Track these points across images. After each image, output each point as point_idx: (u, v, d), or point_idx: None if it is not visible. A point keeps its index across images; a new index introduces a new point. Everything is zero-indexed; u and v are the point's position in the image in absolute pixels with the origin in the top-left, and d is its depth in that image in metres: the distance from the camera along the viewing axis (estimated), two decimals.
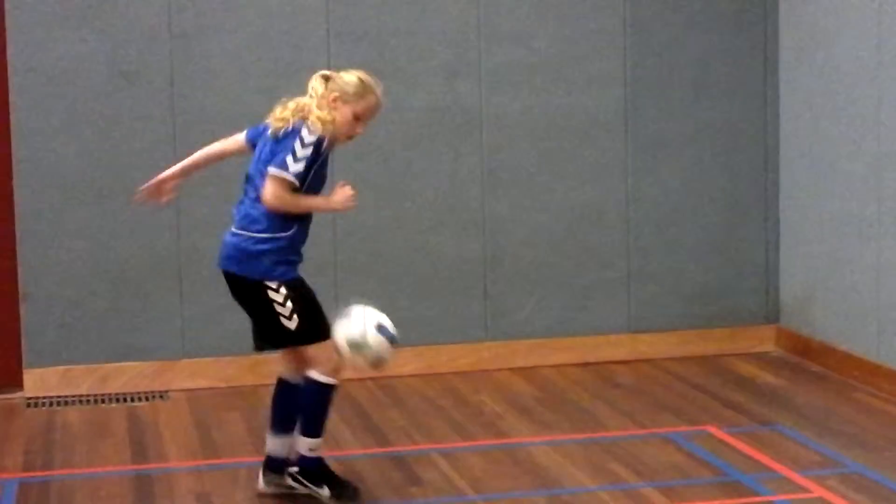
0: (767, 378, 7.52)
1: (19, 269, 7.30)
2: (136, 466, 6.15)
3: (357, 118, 5.49)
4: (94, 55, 7.31)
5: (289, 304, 5.38)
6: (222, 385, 7.46)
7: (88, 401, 7.29)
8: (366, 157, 7.57)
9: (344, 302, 7.54)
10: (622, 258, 7.90)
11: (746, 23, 7.99)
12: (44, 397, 7.29)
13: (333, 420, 6.82)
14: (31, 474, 6.08)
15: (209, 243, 7.40)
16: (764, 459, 5.98)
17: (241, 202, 5.48)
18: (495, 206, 7.76)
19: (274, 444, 5.63)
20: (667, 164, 7.94)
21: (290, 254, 5.43)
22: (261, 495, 5.64)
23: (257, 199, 5.39)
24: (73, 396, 7.32)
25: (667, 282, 7.97)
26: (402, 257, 7.70)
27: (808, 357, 7.77)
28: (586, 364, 7.80)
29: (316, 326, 5.44)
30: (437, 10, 7.62)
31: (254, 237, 5.38)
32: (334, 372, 5.47)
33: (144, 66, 7.34)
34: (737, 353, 7.99)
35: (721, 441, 6.27)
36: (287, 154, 5.33)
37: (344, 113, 5.45)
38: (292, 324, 5.40)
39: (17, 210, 7.28)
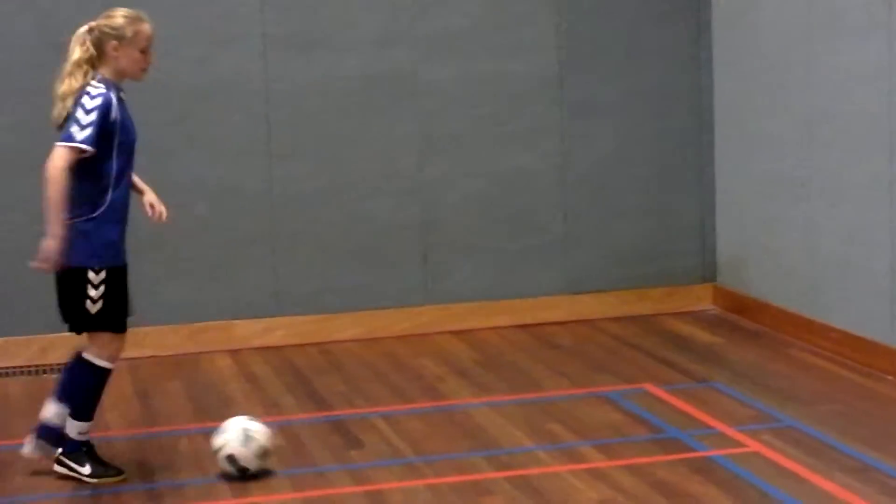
0: (704, 336, 7.61)
1: None
2: None
3: (143, 52, 5.37)
4: (24, 26, 7.26)
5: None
6: (163, 354, 7.47)
7: (28, 371, 7.29)
8: (301, 126, 7.58)
9: (283, 272, 7.62)
10: (558, 221, 7.94)
11: None
12: None
13: (276, 385, 6.87)
14: None
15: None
16: (700, 416, 6.06)
17: None
18: (431, 172, 7.78)
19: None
20: (600, 127, 7.98)
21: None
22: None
23: None
24: (13, 368, 7.31)
25: (603, 243, 8.02)
26: (340, 225, 7.71)
27: (744, 314, 7.86)
28: (524, 326, 7.86)
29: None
30: None
31: None
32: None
33: None
34: (674, 313, 8.06)
35: (658, 399, 6.34)
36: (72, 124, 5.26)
37: (130, 54, 5.34)
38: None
39: None
